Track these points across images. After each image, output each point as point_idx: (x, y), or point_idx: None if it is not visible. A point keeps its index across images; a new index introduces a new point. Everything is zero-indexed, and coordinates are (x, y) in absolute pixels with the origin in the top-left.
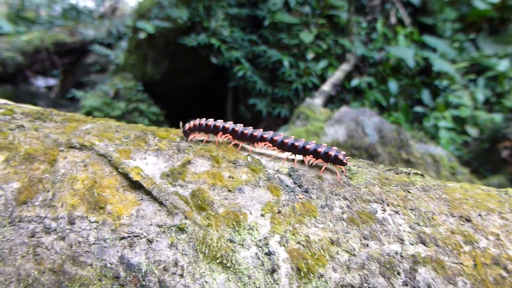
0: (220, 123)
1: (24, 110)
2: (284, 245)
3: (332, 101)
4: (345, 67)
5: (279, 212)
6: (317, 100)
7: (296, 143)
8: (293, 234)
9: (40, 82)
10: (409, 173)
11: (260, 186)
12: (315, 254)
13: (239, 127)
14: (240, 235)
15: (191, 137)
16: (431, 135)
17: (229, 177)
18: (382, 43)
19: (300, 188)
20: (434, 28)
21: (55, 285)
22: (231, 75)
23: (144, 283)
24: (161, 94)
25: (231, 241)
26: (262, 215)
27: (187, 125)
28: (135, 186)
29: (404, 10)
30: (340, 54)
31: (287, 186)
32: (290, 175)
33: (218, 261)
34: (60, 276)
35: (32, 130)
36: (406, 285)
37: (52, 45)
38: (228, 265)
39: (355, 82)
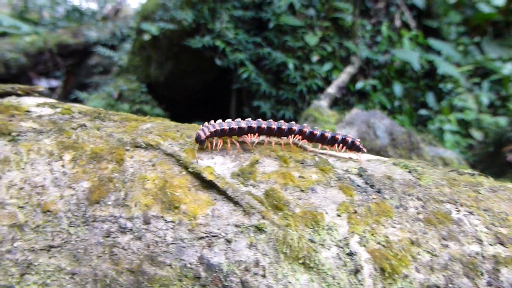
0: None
1: (80, 109)
2: (364, 246)
3: (336, 104)
4: (349, 69)
5: (355, 212)
6: (323, 102)
7: (315, 132)
8: (372, 235)
9: (43, 83)
10: (473, 174)
11: (332, 186)
12: (397, 255)
13: (255, 123)
14: (320, 235)
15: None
16: (436, 138)
17: (300, 177)
18: (386, 46)
19: (372, 188)
20: (438, 31)
21: (134, 286)
22: (235, 77)
23: (226, 284)
24: (165, 96)
25: (311, 241)
26: (338, 215)
27: (201, 133)
28: (207, 185)
29: (409, 13)
30: (344, 57)
31: (358, 186)
32: (360, 175)
33: (300, 261)
34: (139, 277)
35: (94, 130)
36: (490, 285)
37: (55, 46)
38: (311, 265)
39: (359, 84)
